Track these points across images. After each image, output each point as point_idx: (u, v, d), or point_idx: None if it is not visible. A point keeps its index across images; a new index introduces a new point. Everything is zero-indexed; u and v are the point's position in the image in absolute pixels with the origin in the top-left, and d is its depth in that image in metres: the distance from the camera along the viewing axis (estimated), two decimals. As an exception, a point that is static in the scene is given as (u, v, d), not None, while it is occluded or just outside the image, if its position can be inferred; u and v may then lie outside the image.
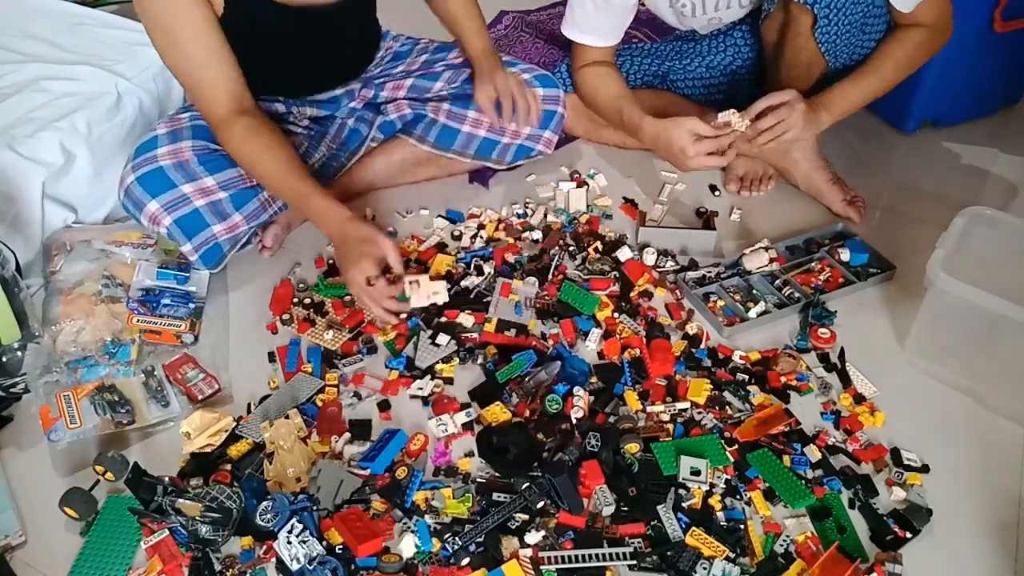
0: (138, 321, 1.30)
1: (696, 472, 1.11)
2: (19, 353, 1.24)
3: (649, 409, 1.21)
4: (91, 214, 1.55)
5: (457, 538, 1.04)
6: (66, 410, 1.18)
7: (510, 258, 1.47)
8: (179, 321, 1.33)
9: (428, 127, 1.59)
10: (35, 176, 1.44)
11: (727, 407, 1.22)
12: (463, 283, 1.42)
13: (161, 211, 1.33)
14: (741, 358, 1.29)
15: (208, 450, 1.14)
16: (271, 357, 1.32)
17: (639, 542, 1.05)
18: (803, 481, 1.11)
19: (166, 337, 1.31)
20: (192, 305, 1.36)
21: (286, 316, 1.37)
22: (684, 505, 1.09)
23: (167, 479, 1.08)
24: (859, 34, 1.42)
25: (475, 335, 1.33)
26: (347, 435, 1.18)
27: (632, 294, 1.41)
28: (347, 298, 1.39)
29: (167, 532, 1.05)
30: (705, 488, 1.11)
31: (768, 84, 1.59)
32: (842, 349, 1.32)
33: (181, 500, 1.03)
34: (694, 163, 1.41)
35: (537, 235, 1.53)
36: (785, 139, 1.42)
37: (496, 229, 1.55)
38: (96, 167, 1.53)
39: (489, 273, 1.43)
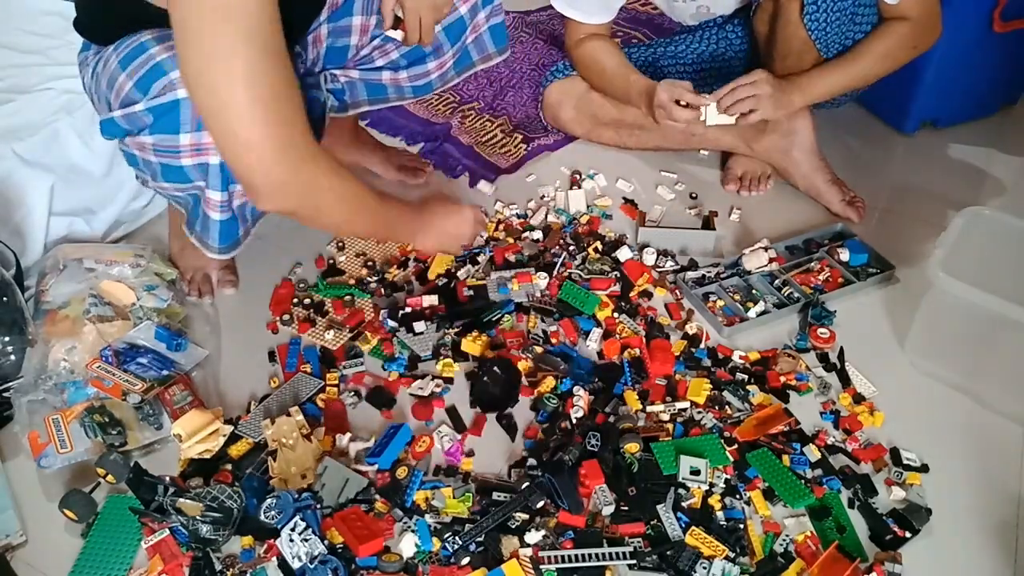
0: (98, 367, 1.20)
1: (696, 472, 1.11)
2: (12, 357, 1.23)
3: (649, 409, 1.21)
4: (99, 216, 1.51)
5: (457, 537, 1.05)
6: (56, 434, 1.14)
7: (510, 257, 1.47)
8: (138, 381, 1.19)
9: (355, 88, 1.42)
10: (40, 180, 1.43)
11: (727, 407, 1.22)
12: (459, 272, 1.43)
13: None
14: (741, 358, 1.30)
15: (206, 456, 1.14)
16: (271, 356, 1.32)
17: (639, 542, 1.05)
18: (802, 481, 1.12)
19: (113, 390, 1.19)
20: (165, 372, 1.23)
21: (286, 316, 1.38)
22: (684, 505, 1.09)
23: (168, 479, 1.08)
24: (849, 23, 1.45)
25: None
26: (350, 432, 1.18)
27: (632, 294, 1.41)
28: (347, 298, 1.39)
29: (168, 532, 1.05)
30: (705, 488, 1.11)
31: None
32: (841, 349, 1.32)
33: (182, 500, 1.03)
34: (661, 100, 1.47)
35: (537, 235, 1.53)
36: (753, 118, 1.46)
37: (496, 229, 1.55)
38: (103, 168, 1.51)
39: (485, 262, 1.46)
